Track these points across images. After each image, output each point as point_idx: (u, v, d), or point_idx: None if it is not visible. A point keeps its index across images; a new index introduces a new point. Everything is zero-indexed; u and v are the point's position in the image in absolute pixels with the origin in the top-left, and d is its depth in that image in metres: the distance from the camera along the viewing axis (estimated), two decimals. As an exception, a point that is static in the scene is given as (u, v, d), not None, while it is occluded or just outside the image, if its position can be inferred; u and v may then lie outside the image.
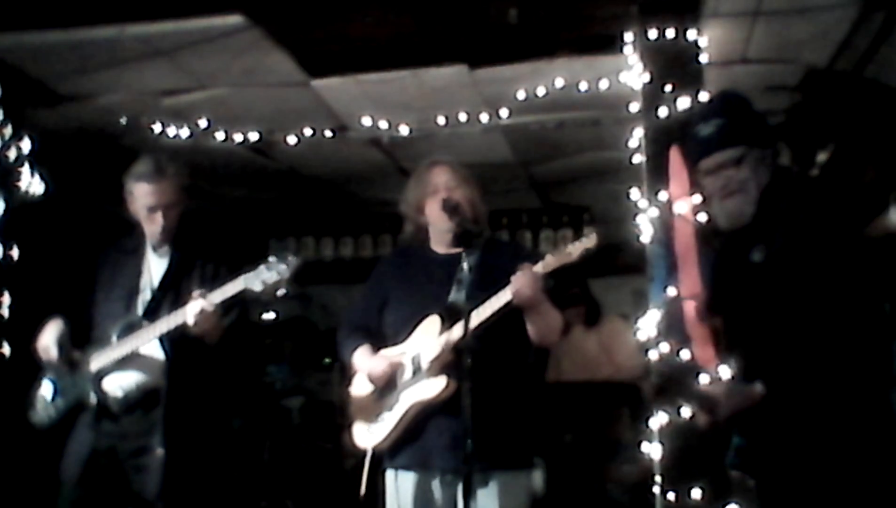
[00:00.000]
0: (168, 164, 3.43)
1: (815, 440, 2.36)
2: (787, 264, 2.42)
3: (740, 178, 2.56)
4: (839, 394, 2.36)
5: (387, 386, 3.19)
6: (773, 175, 2.57)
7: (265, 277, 3.18)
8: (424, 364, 3.10)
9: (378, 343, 3.27)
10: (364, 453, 3.23)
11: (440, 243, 3.30)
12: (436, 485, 3.06)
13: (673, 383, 2.87)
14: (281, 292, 3.22)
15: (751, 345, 2.49)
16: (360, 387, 3.32)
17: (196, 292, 3.21)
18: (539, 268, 2.98)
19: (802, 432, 2.38)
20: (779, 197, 2.53)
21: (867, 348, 2.36)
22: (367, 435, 3.21)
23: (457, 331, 2.99)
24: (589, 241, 2.99)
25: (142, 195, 3.40)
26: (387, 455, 3.18)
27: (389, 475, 3.17)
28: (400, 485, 3.11)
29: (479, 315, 2.97)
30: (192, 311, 3.17)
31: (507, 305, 2.98)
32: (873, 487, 2.31)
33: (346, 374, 3.43)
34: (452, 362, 2.97)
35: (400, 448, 3.12)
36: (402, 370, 3.16)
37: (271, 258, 3.23)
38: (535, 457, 3.31)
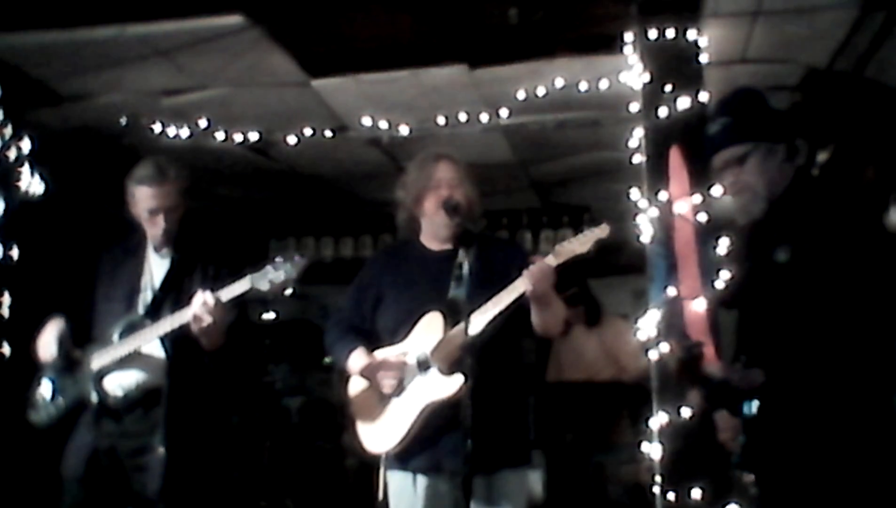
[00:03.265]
0: (170, 167, 3.42)
1: (822, 439, 2.36)
2: (806, 262, 2.42)
3: (745, 175, 2.57)
4: (848, 394, 2.36)
5: (395, 387, 3.14)
6: (792, 173, 2.58)
7: (272, 276, 3.18)
8: (433, 363, 3.06)
9: (371, 343, 3.22)
10: (373, 456, 3.20)
11: (433, 239, 3.27)
12: (445, 488, 3.03)
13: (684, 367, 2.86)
14: (288, 291, 3.21)
15: (763, 340, 2.50)
16: (360, 389, 3.27)
17: (202, 292, 3.20)
18: (551, 260, 2.96)
19: (810, 429, 2.38)
20: (795, 194, 2.54)
21: (876, 348, 2.36)
22: (379, 439, 3.15)
23: (468, 328, 2.89)
24: (601, 231, 2.97)
25: (143, 198, 3.40)
26: (395, 458, 3.14)
27: (397, 477, 3.13)
28: (408, 488, 3.08)
29: (488, 311, 2.96)
30: (197, 304, 3.16)
31: (519, 299, 2.96)
32: (875, 488, 2.31)
33: (343, 375, 3.38)
34: (461, 359, 2.89)
35: (410, 450, 3.08)
36: (408, 370, 3.12)
37: (277, 258, 3.22)
38: (532, 453, 3.30)
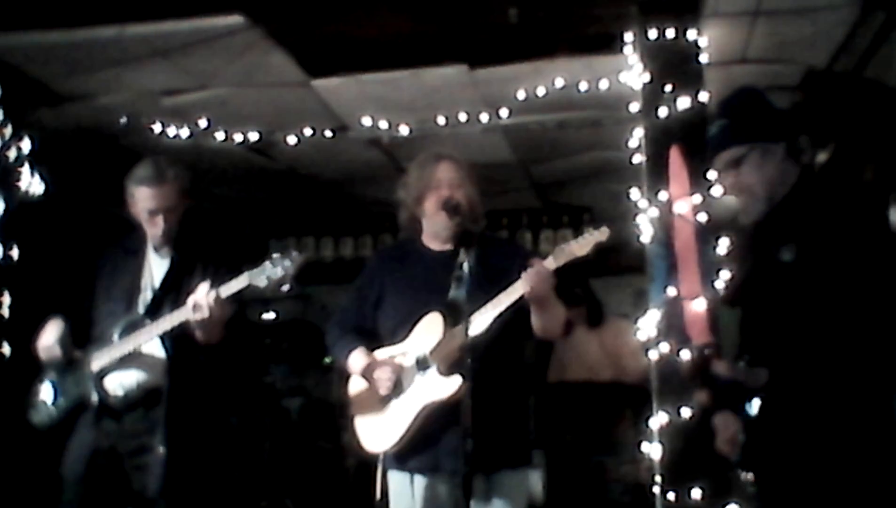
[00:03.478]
0: (169, 168, 3.42)
1: (822, 438, 2.36)
2: (809, 261, 2.42)
3: (743, 176, 2.57)
4: (849, 393, 2.36)
5: (392, 387, 3.14)
6: (798, 172, 2.58)
7: (269, 273, 3.18)
8: (432, 363, 3.06)
9: (372, 343, 3.23)
10: (372, 455, 3.20)
11: (434, 239, 3.26)
12: (444, 488, 3.03)
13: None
14: (285, 288, 3.21)
15: (766, 339, 2.50)
16: (360, 389, 3.27)
17: (203, 285, 3.20)
18: (550, 262, 2.96)
19: (810, 429, 2.39)
20: (801, 193, 2.54)
21: (877, 348, 2.36)
22: (378, 439, 3.15)
23: (468, 329, 2.86)
24: (601, 234, 2.97)
25: (143, 199, 3.39)
26: (393, 458, 3.14)
27: (397, 477, 3.13)
28: (407, 488, 3.08)
29: (489, 313, 2.96)
30: (200, 293, 3.16)
31: (518, 301, 2.96)
32: (874, 488, 2.31)
33: (343, 375, 3.39)
34: (460, 360, 2.87)
35: (408, 450, 3.08)
36: (407, 371, 3.12)
37: (275, 255, 3.21)
38: (532, 453, 3.31)
